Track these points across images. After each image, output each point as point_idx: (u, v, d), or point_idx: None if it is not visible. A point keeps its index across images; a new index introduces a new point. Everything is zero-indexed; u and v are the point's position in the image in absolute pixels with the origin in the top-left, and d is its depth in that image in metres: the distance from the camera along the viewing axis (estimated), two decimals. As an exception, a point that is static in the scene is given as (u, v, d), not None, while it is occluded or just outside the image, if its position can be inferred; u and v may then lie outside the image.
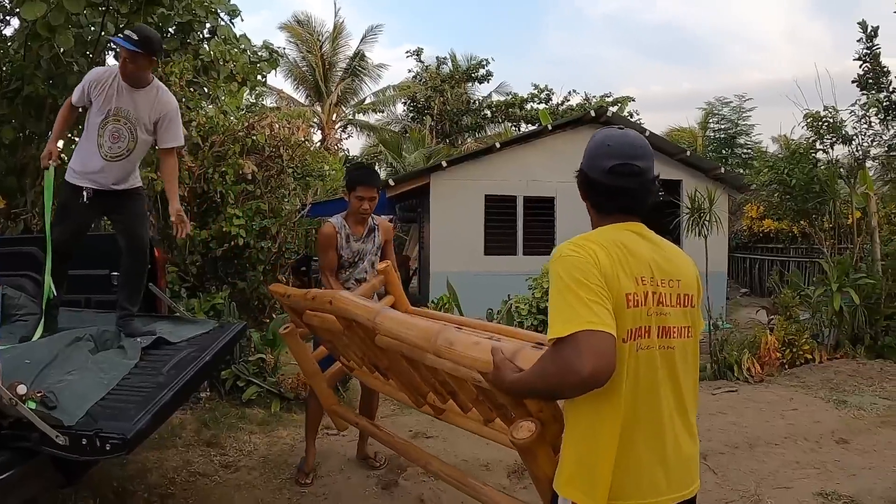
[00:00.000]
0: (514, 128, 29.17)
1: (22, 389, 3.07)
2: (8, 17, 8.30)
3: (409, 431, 5.93)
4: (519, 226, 12.91)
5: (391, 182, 13.21)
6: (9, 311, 4.75)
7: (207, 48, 8.68)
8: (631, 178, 2.15)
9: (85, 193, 4.60)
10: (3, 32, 8.15)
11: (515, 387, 2.09)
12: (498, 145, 12.93)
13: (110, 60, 8.93)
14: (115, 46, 8.36)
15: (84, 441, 3.02)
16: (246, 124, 7.99)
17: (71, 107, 4.73)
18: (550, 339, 1.91)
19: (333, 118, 28.54)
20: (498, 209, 12.81)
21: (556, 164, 12.78)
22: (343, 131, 30.01)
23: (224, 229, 7.46)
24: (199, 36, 8.85)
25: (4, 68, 7.89)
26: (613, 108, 20.16)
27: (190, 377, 3.88)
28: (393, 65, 65.91)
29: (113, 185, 4.67)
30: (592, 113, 13.22)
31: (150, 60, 4.57)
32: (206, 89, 8.50)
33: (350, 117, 30.23)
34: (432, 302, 7.64)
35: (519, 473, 5.02)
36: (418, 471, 5.10)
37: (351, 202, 4.94)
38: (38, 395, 3.16)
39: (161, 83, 4.85)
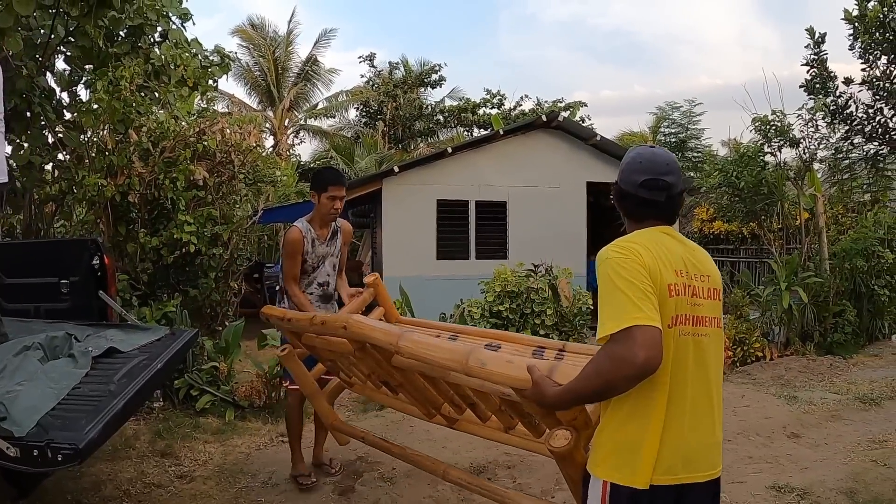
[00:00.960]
0: (466, 133, 29.28)
1: (-32, 403, 3.03)
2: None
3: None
4: (471, 230, 12.92)
5: (342, 188, 13.16)
6: None
7: (158, 52, 8.57)
8: (660, 191, 2.36)
9: None
10: None
11: (561, 398, 2.25)
12: (450, 150, 12.93)
13: (60, 64, 8.82)
14: (64, 49, 8.25)
15: (35, 452, 2.99)
16: (197, 129, 7.90)
17: None
18: (602, 336, 2.10)
19: (286, 123, 28.41)
20: (450, 214, 12.82)
21: (508, 169, 12.88)
22: (295, 136, 29.87)
23: (175, 236, 7.38)
24: (149, 40, 8.73)
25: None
26: (565, 113, 20.28)
27: (141, 385, 3.83)
28: (346, 69, 65.49)
29: None
30: (544, 118, 13.26)
31: None
32: (156, 94, 8.39)
33: (302, 122, 30.11)
34: (384, 307, 7.66)
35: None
36: (374, 475, 5.16)
37: (321, 203, 4.90)
38: (-16, 408, 3.11)
39: None
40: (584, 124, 22.43)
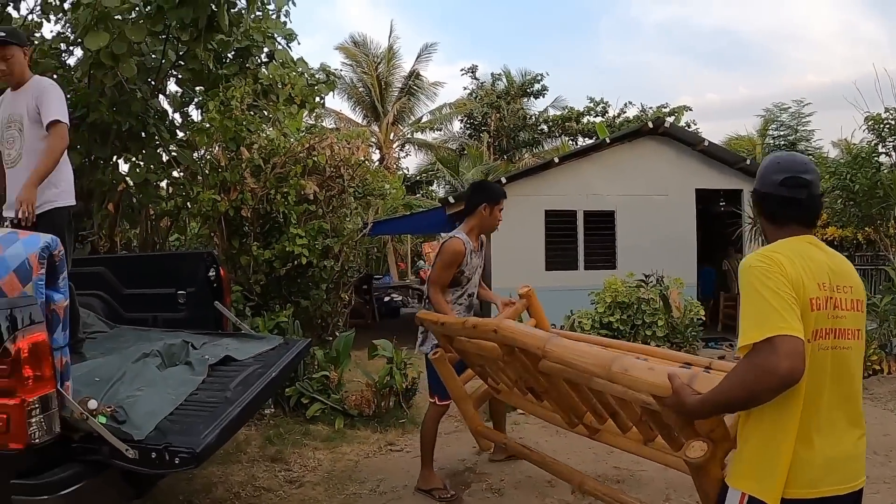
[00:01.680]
0: (571, 142, 28.93)
1: (93, 404, 3.15)
2: (71, 48, 8.56)
3: (472, 448, 5.90)
4: (579, 240, 12.75)
5: (451, 200, 13.22)
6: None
7: (266, 72, 8.83)
8: (800, 189, 2.32)
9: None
10: (67, 62, 8.39)
11: (700, 407, 2.25)
12: (557, 160, 12.79)
13: (172, 87, 9.18)
14: (175, 72, 8.58)
15: (153, 455, 3.08)
16: (307, 146, 8.07)
17: None
18: (743, 345, 2.07)
19: (391, 137, 28.78)
20: (558, 224, 12.68)
21: (615, 178, 12.65)
22: (401, 150, 30.22)
23: (287, 249, 7.53)
24: (257, 60, 9.01)
25: (69, 96, 8.11)
26: (670, 119, 19.81)
27: (256, 393, 3.92)
28: (448, 82, 66.19)
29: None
30: (650, 124, 12.97)
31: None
32: (265, 112, 8.62)
33: (407, 136, 30.42)
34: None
35: (578, 492, 4.85)
36: (482, 486, 5.11)
37: (491, 215, 5.02)
38: (109, 410, 3.24)
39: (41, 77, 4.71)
40: (689, 130, 21.91)
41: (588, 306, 7.23)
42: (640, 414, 3.21)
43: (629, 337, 6.65)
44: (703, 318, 6.55)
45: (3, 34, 4.33)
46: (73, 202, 4.51)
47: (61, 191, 4.41)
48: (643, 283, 6.97)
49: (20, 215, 3.95)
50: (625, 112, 29.19)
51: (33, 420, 2.97)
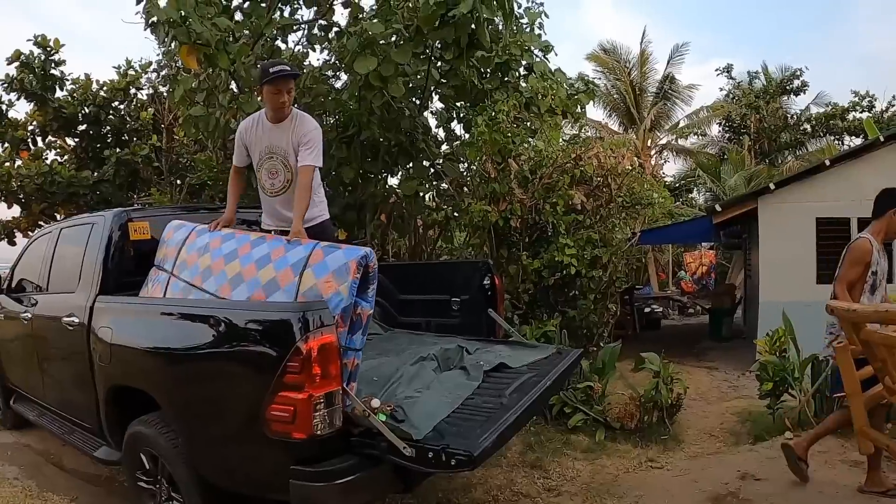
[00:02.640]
0: (836, 142, 26.77)
1: (375, 403, 3.26)
2: (338, 73, 9.11)
3: (736, 471, 5.52)
4: (854, 251, 11.53)
5: (717, 208, 12.64)
6: None
7: (526, 84, 8.88)
8: None
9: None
10: (335, 85, 8.93)
11: None
12: (827, 162, 11.75)
13: (436, 103, 9.50)
14: (439, 90, 8.89)
15: (430, 455, 3.13)
16: (573, 156, 8.02)
17: (236, 170, 5.05)
18: None
19: (648, 144, 28.08)
20: (830, 233, 11.61)
21: (890, 180, 11.29)
22: (659, 156, 29.42)
23: (556, 259, 7.54)
24: (516, 74, 9.11)
25: (339, 117, 8.62)
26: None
27: (532, 401, 3.89)
28: (703, 84, 63.56)
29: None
30: None
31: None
32: (528, 124, 8.67)
33: (665, 142, 29.59)
34: (766, 334, 7.07)
35: None
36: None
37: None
38: (389, 408, 3.34)
39: (299, 111, 4.92)
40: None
41: (864, 323, 6.48)
42: None
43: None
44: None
45: (289, 68, 4.67)
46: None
47: (322, 207, 4.95)
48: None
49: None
50: (893, 105, 26.58)
51: (317, 414, 3.15)
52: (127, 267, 5.00)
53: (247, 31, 8.32)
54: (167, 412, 3.95)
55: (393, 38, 7.67)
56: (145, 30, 7.41)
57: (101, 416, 4.62)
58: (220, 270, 4.19)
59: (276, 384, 3.19)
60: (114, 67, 17.09)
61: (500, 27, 8.47)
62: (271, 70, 4.55)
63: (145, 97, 15.81)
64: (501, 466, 5.76)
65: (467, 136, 8.79)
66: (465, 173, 8.66)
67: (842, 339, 4.60)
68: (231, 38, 7.69)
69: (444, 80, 8.56)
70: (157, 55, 14.80)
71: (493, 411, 3.62)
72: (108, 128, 15.63)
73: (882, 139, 11.46)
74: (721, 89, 31.68)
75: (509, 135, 7.86)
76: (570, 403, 6.90)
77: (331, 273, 3.58)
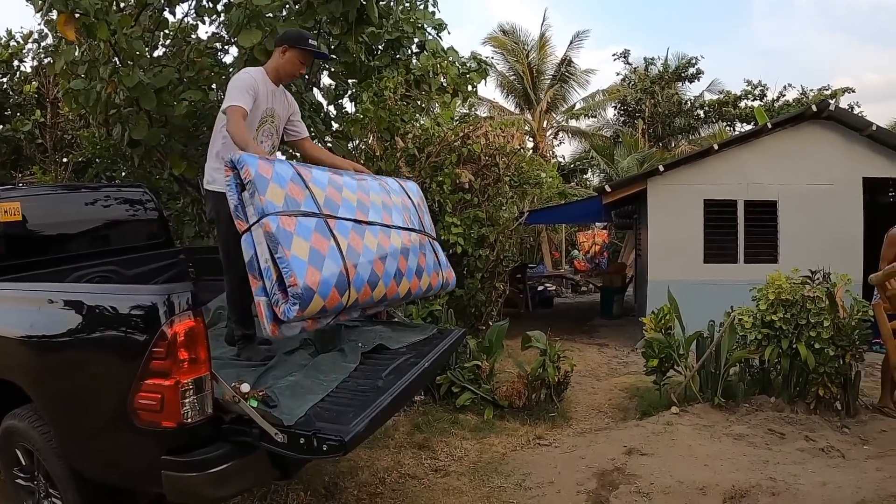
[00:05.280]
0: (728, 128, 27.73)
1: (245, 388, 3.20)
2: (226, 47, 8.88)
3: (623, 447, 5.65)
4: (740, 232, 11.96)
5: (607, 188, 12.84)
6: None
7: (417, 62, 8.85)
8: None
9: None
10: (223, 61, 8.70)
11: None
12: (716, 147, 12.05)
13: (325, 80, 9.36)
14: (328, 66, 8.75)
15: (302, 440, 3.07)
16: (461, 134, 8.03)
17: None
18: None
19: (544, 125, 28.45)
20: (717, 214, 11.99)
21: (777, 166, 11.81)
22: (555, 138, 29.85)
23: (443, 238, 7.52)
24: (408, 51, 9.06)
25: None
26: (832, 102, 18.37)
27: (409, 383, 3.88)
28: (601, 68, 64.67)
29: None
30: (814, 108, 11.94)
31: None
32: (419, 102, 8.65)
33: (561, 124, 30.03)
34: (652, 312, 7.28)
35: (736, 499, 4.57)
36: (630, 489, 4.84)
37: None
38: (261, 393, 3.27)
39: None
40: (854, 113, 20.35)
41: (749, 302, 6.75)
42: None
43: (792, 338, 6.18)
44: (871, 319, 6.00)
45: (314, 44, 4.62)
46: None
47: None
48: (808, 280, 6.44)
49: None
50: (784, 95, 27.52)
51: (186, 401, 3.07)
52: (-3, 249, 4.78)
53: (131, 1, 8.02)
54: (38, 404, 3.77)
55: (283, 13, 7.51)
56: (20, -5, 7.06)
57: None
58: (368, 200, 4.10)
59: (142, 371, 3.08)
60: (-6, 38, 16.22)
61: (391, 3, 8.40)
62: (310, 41, 4.51)
63: (29, 69, 15.08)
64: (389, 448, 5.78)
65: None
66: (353, 151, 8.56)
67: (876, 299, 6.21)
68: (115, 8, 7.40)
69: (334, 56, 8.45)
70: (39, 24, 14.11)
71: (368, 394, 3.59)
72: (-10, 102, 14.86)
73: (770, 125, 11.89)
74: (618, 74, 32.41)
75: (397, 112, 7.81)
76: (458, 382, 6.95)
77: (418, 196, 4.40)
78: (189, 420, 3.08)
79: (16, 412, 3.92)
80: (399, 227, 4.31)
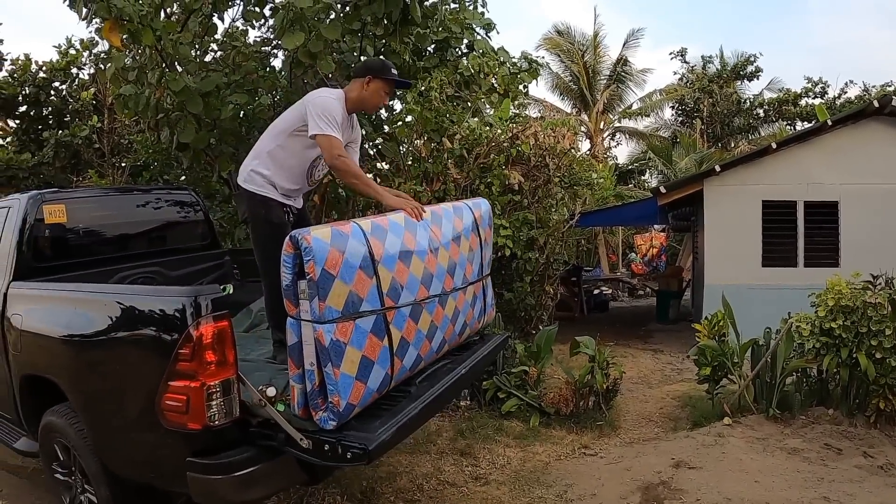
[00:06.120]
0: (788, 126, 26.92)
1: (272, 392, 3.15)
2: (275, 51, 8.92)
3: (671, 459, 5.47)
4: (799, 234, 11.57)
5: (662, 189, 12.61)
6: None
7: (466, 62, 8.77)
8: None
9: (287, 215, 4.39)
10: (272, 64, 8.75)
11: None
12: (774, 145, 11.69)
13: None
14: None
15: (326, 447, 3.05)
16: (510, 135, 7.93)
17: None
18: None
19: (601, 126, 28.15)
20: (776, 216, 11.63)
21: (838, 164, 11.41)
22: (611, 139, 29.52)
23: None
24: (457, 52, 8.98)
25: (276, 96, 8.46)
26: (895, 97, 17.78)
27: (443, 390, 3.82)
28: (657, 68, 63.83)
29: (298, 209, 4.54)
30: (876, 104, 11.49)
31: None
32: (468, 103, 8.57)
33: (617, 124, 29.68)
34: (705, 318, 7.06)
35: None
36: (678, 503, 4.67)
37: None
38: (288, 398, 3.21)
39: None
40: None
41: (807, 307, 6.48)
42: None
43: (852, 347, 5.92)
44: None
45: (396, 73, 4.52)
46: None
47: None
48: (870, 285, 6.16)
49: None
50: (846, 92, 26.78)
51: (213, 403, 3.07)
52: (42, 251, 4.88)
53: (177, 8, 8.10)
54: (73, 401, 3.84)
55: (331, 16, 7.50)
56: (64, 2, 7.16)
57: (16, 407, 4.50)
58: (436, 265, 3.94)
59: (168, 372, 3.09)
60: (54, 47, 16.69)
61: (437, 3, 8.33)
62: (394, 71, 4.42)
63: (87, 76, 15.46)
64: (430, 453, 5.71)
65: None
66: (403, 153, 8.53)
67: None
68: (163, 14, 7.47)
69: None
70: (90, 32, 14.50)
71: (399, 401, 3.53)
72: (49, 109, 15.29)
73: (830, 123, 11.51)
74: (675, 73, 31.91)
75: (445, 113, 7.74)
76: (504, 388, 6.86)
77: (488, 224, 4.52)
78: (215, 422, 3.08)
79: (55, 409, 4.02)
80: (457, 289, 4.21)
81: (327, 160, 4.09)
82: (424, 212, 3.99)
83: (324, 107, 4.08)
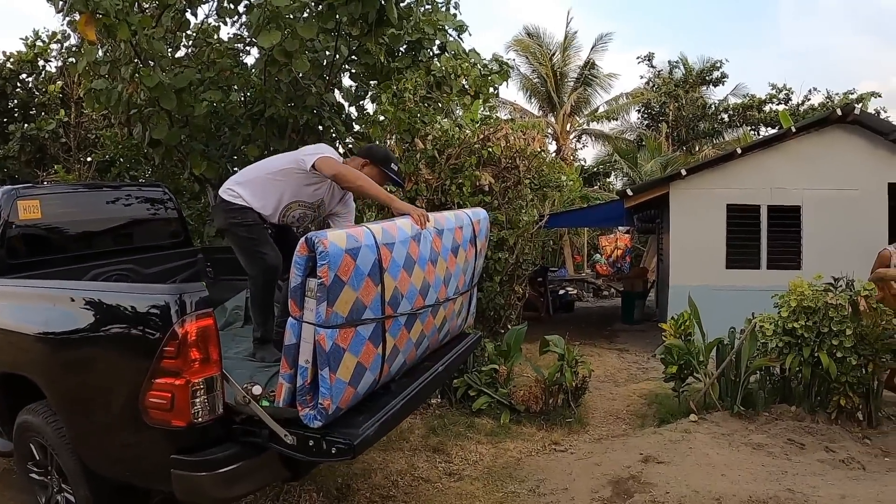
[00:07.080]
0: (752, 132, 27.32)
1: (257, 390, 3.17)
2: (248, 48, 8.92)
3: (639, 454, 5.58)
4: (763, 237, 11.79)
5: (629, 192, 12.76)
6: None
7: (438, 64, 8.83)
8: None
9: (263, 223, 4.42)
10: (245, 61, 8.74)
11: None
12: (739, 150, 11.90)
13: (346, 81, 9.37)
14: (349, 67, 8.74)
15: (311, 443, 3.08)
16: (481, 136, 7.99)
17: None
18: None
19: (567, 128, 28.32)
20: (740, 219, 11.85)
21: (801, 170, 11.65)
22: (577, 141, 29.72)
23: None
24: (429, 53, 9.05)
25: (248, 93, 8.46)
26: (858, 106, 18.20)
27: (421, 387, 3.88)
28: (624, 72, 64.49)
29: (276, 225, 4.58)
30: (839, 112, 11.73)
31: None
32: (440, 104, 8.62)
33: (584, 127, 29.88)
34: (672, 318, 7.18)
35: None
36: (645, 498, 4.75)
37: None
38: (272, 394, 3.25)
39: None
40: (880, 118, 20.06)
41: (771, 308, 6.64)
42: None
43: (814, 346, 6.09)
44: (896, 330, 5.92)
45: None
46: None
47: None
48: (832, 287, 6.33)
49: None
50: (809, 99, 27.19)
51: (197, 400, 3.07)
52: (16, 248, 4.84)
53: (153, 3, 8.06)
54: (51, 400, 3.79)
55: (304, 15, 7.52)
56: (40, -5, 7.13)
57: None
58: (434, 276, 3.96)
59: (153, 369, 3.09)
60: (21, 39, 16.43)
61: (412, 4, 8.38)
62: (394, 166, 4.60)
63: (54, 69, 15.26)
64: (403, 451, 5.76)
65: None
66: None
67: None
68: (136, 9, 7.43)
69: (355, 58, 8.45)
70: (62, 25, 14.28)
71: (379, 398, 3.58)
72: (15, 101, 15.06)
73: (794, 129, 11.73)
74: (641, 77, 32.14)
75: (417, 114, 7.78)
76: (475, 386, 6.92)
77: (485, 236, 4.55)
78: (199, 419, 3.09)
79: (30, 407, 3.96)
80: (449, 299, 4.27)
81: (331, 173, 4.13)
82: (429, 220, 4.02)
83: (328, 150, 4.27)
